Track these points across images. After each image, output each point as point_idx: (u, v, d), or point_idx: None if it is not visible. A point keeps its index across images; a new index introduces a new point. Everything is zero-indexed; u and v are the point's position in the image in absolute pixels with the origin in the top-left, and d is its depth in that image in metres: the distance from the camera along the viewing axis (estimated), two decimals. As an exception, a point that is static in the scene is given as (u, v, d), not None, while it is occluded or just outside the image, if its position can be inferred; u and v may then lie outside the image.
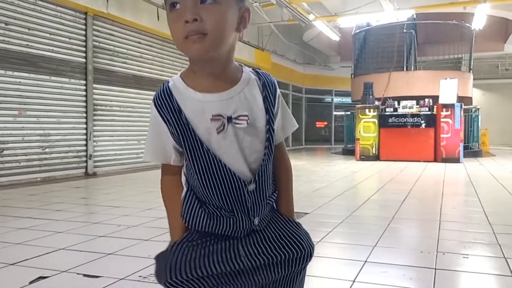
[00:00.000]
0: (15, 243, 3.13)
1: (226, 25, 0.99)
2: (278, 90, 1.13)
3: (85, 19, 7.77)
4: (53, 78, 7.14)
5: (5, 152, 6.43)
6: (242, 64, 1.12)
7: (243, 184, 1.05)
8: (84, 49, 7.75)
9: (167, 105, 1.05)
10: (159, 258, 1.15)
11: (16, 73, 6.56)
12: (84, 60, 7.74)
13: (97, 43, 8.05)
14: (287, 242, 1.12)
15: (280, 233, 1.12)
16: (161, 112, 1.05)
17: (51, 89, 7.12)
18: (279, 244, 1.10)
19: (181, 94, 1.05)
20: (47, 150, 7.07)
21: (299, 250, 1.12)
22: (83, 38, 7.74)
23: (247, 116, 1.03)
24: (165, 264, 1.10)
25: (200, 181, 1.06)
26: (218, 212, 1.07)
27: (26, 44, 6.70)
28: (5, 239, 3.23)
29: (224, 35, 0.99)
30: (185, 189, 1.12)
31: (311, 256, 1.14)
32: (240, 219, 1.07)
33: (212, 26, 0.96)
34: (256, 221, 1.08)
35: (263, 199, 1.10)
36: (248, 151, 1.06)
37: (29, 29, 6.75)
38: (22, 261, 2.69)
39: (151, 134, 1.10)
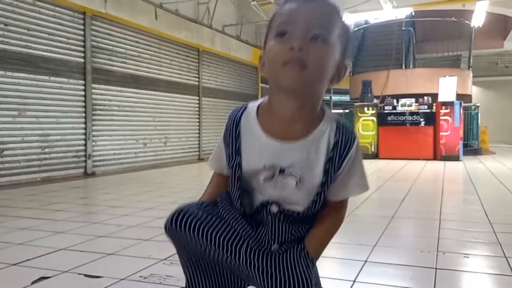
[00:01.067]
0: (16, 244, 3.13)
1: (326, 66, 1.00)
2: (352, 152, 1.07)
3: (84, 19, 7.76)
4: (52, 78, 7.13)
5: (4, 152, 6.43)
6: (327, 110, 1.10)
7: (268, 205, 1.08)
8: (82, 49, 7.74)
9: (231, 131, 1.11)
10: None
11: (15, 74, 6.55)
12: (82, 60, 7.73)
13: (95, 43, 8.04)
14: (284, 274, 1.09)
15: (287, 261, 1.11)
16: (226, 132, 1.12)
17: (50, 89, 7.11)
18: (278, 271, 1.09)
19: (247, 127, 1.09)
20: (46, 150, 7.07)
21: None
22: (82, 38, 7.73)
23: (297, 178, 1.04)
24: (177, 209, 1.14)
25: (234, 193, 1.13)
26: (241, 215, 1.12)
27: (25, 45, 6.69)
28: (6, 240, 3.23)
29: (322, 74, 1.01)
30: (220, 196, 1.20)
31: None
32: (260, 236, 1.09)
33: (315, 61, 0.97)
34: (275, 247, 1.09)
35: (290, 228, 1.10)
36: (287, 201, 1.07)
37: (27, 29, 6.74)
38: (23, 261, 2.69)
39: (217, 148, 1.20)
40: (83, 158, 7.78)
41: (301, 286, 1.08)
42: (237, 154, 1.08)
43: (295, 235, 1.11)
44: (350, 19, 13.17)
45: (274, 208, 1.06)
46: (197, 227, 1.08)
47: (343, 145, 1.06)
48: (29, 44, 6.76)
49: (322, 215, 1.14)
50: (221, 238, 1.08)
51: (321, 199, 1.08)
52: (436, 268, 2.54)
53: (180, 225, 1.09)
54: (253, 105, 1.11)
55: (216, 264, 1.15)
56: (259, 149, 1.05)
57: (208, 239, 1.08)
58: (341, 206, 1.17)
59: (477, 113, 13.21)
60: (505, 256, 2.78)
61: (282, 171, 1.03)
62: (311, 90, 1.01)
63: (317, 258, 1.18)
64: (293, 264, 1.10)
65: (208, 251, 1.11)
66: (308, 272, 1.12)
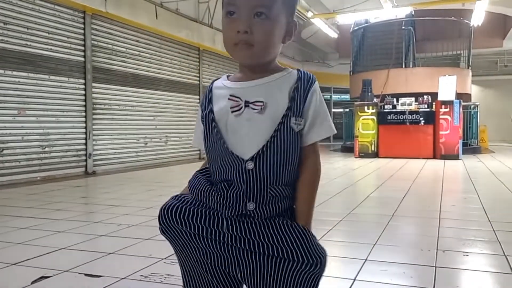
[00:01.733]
0: (16, 243, 3.13)
1: (272, 39, 1.10)
2: (315, 87, 1.14)
3: (84, 18, 7.76)
4: (52, 77, 7.14)
5: (5, 151, 6.43)
6: (289, 68, 1.18)
7: (241, 161, 1.08)
8: (83, 48, 7.74)
9: (205, 93, 1.21)
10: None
11: (15, 73, 6.55)
12: (83, 59, 7.74)
13: (95, 42, 8.05)
14: (287, 236, 1.06)
15: (280, 229, 1.07)
16: (201, 100, 1.21)
17: (50, 88, 7.12)
18: (277, 235, 1.06)
19: (218, 84, 1.19)
20: (46, 149, 7.07)
21: (301, 252, 1.04)
22: (82, 37, 7.74)
23: (262, 102, 1.09)
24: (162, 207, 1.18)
25: (208, 154, 1.17)
26: (216, 185, 1.12)
27: (25, 44, 6.70)
28: (6, 239, 3.24)
29: (268, 47, 1.11)
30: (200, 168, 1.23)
31: (316, 267, 1.06)
32: (232, 195, 1.09)
33: (260, 39, 1.08)
34: (251, 206, 1.08)
35: (264, 184, 1.08)
36: (258, 136, 1.09)
37: (27, 28, 6.74)
38: (23, 261, 2.70)
39: (196, 122, 1.24)
40: (84, 157, 7.78)
41: (305, 250, 1.05)
42: (208, 104, 1.16)
43: (273, 193, 1.09)
44: (350, 18, 13.18)
45: (250, 165, 1.08)
46: (178, 217, 1.13)
47: (305, 78, 1.14)
48: (29, 43, 6.76)
49: (299, 175, 1.14)
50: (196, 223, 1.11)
51: (285, 129, 1.09)
52: (436, 267, 2.55)
53: (166, 220, 1.16)
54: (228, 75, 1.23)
55: (211, 268, 1.14)
56: (226, 93, 1.13)
57: (188, 226, 1.12)
58: (313, 151, 1.17)
59: (477, 112, 13.22)
60: (505, 254, 2.79)
61: (247, 102, 1.09)
62: (263, 60, 1.13)
63: (310, 224, 1.14)
64: (285, 225, 1.08)
65: (192, 247, 1.14)
66: (302, 231, 1.08)
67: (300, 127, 1.12)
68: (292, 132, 1.10)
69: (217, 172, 1.14)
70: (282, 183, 1.11)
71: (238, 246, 1.08)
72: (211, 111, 1.14)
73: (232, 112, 1.10)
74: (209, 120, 1.14)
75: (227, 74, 1.22)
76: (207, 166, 1.20)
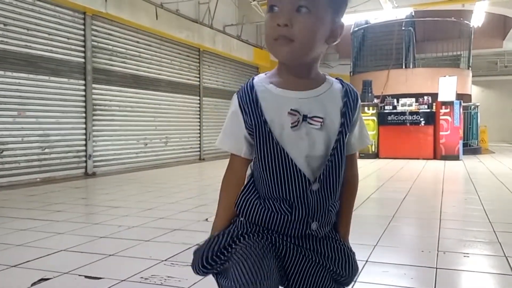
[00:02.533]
0: (16, 245, 3.13)
1: (313, 35, 1.04)
2: (360, 101, 1.15)
3: (84, 19, 7.76)
4: (52, 78, 7.13)
5: (4, 153, 6.42)
6: (326, 74, 1.16)
7: (307, 181, 1.07)
8: (83, 49, 7.74)
9: (246, 96, 1.10)
10: (196, 251, 1.16)
11: (15, 74, 6.55)
12: (83, 60, 7.73)
13: (95, 43, 8.04)
14: (340, 258, 1.15)
15: (335, 250, 1.15)
16: (240, 102, 1.10)
17: (50, 89, 7.11)
18: (333, 255, 1.14)
19: (262, 88, 1.10)
20: (46, 150, 7.07)
21: (347, 271, 1.16)
22: (82, 38, 7.74)
23: (322, 118, 1.07)
24: (201, 252, 1.12)
25: (265, 172, 1.08)
26: (276, 207, 1.08)
27: (25, 45, 6.69)
28: (6, 241, 3.23)
29: (310, 44, 1.05)
30: (246, 181, 1.14)
31: (351, 280, 1.19)
32: (297, 217, 1.08)
33: (300, 34, 1.02)
34: (314, 225, 1.09)
35: (326, 204, 1.10)
36: (316, 152, 1.07)
37: (27, 29, 6.74)
38: (23, 262, 2.69)
39: (228, 122, 1.14)
40: (84, 158, 7.78)
41: (352, 270, 1.17)
42: (258, 111, 1.08)
43: (332, 211, 1.13)
44: (351, 19, 13.17)
45: (315, 186, 1.07)
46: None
47: (352, 92, 1.13)
48: (29, 44, 6.76)
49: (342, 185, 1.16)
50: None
51: (341, 147, 1.09)
52: (436, 268, 2.54)
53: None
54: (261, 75, 1.16)
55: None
56: (278, 102, 1.07)
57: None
58: (352, 165, 1.20)
59: (477, 113, 13.22)
60: (505, 255, 2.78)
61: (305, 117, 1.06)
62: (303, 59, 1.07)
63: (349, 233, 1.24)
64: (339, 246, 1.16)
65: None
66: (350, 252, 1.19)
67: (347, 140, 1.13)
68: (345, 147, 1.11)
69: (275, 189, 1.09)
70: (336, 199, 1.14)
71: (298, 254, 1.11)
72: (265, 122, 1.07)
73: (292, 127, 1.06)
74: (265, 133, 1.07)
75: (265, 73, 1.16)
76: (248, 179, 1.14)
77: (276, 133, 1.06)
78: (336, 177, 1.10)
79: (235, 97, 1.13)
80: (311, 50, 1.06)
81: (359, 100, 1.15)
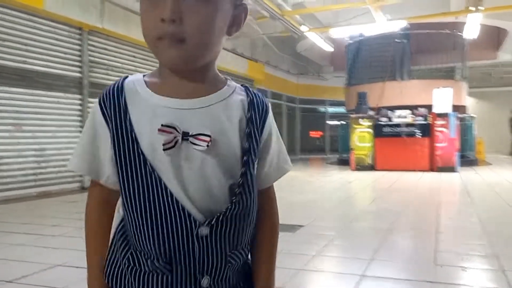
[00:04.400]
0: (12, 260, 3.12)
1: (212, 30, 0.77)
2: (271, 115, 0.87)
3: (80, 34, 7.79)
4: (48, 93, 7.14)
5: (0, 167, 6.40)
6: (229, 78, 0.89)
7: (192, 224, 0.77)
8: (79, 64, 7.76)
9: (112, 103, 0.80)
10: None
11: (12, 89, 6.55)
12: (79, 75, 7.75)
13: (92, 58, 8.07)
14: None
15: None
16: (104, 109, 0.80)
17: (47, 104, 7.12)
18: None
19: (134, 92, 0.81)
20: (42, 164, 7.05)
21: None
22: (79, 53, 7.76)
23: (209, 137, 0.76)
24: None
25: (135, 214, 0.78)
26: (149, 265, 0.79)
27: (21, 60, 6.71)
28: (1, 256, 3.21)
29: (208, 42, 0.78)
30: (113, 230, 0.85)
31: None
32: (180, 276, 0.78)
33: (194, 31, 0.75)
34: (205, 281, 0.79)
35: (223, 253, 0.80)
36: (205, 185, 0.78)
37: (24, 45, 6.76)
38: (19, 278, 2.68)
39: (85, 136, 0.84)
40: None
41: None
42: (127, 121, 0.78)
43: (233, 261, 0.83)
44: (345, 32, 13.28)
45: (204, 231, 0.77)
46: None
47: (259, 103, 0.85)
48: (26, 59, 6.77)
49: (256, 229, 0.88)
50: None
51: (248, 180, 0.81)
52: (433, 282, 2.54)
53: None
54: (137, 75, 0.87)
55: None
56: (152, 113, 0.78)
57: None
58: (269, 202, 0.91)
59: (473, 124, 13.28)
60: (502, 269, 2.79)
61: (186, 135, 0.76)
62: (199, 63, 0.79)
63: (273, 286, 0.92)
64: None
65: None
66: None
67: (259, 170, 0.85)
68: (254, 180, 0.83)
69: (149, 238, 0.78)
70: (242, 245, 0.85)
71: None
72: (136, 139, 0.78)
73: (164, 150, 0.76)
74: (135, 155, 0.77)
75: (143, 74, 0.86)
76: (117, 225, 0.84)
77: (148, 155, 0.77)
78: (241, 220, 0.81)
79: (96, 103, 0.83)
80: (209, 50, 0.79)
81: (270, 113, 0.87)
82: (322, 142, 21.32)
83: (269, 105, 0.88)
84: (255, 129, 0.83)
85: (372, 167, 11.37)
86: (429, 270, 2.77)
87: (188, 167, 0.77)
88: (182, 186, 0.77)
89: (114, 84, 0.83)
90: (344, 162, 13.21)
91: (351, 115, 12.11)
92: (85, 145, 0.83)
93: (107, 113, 0.80)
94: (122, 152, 0.78)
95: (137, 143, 0.77)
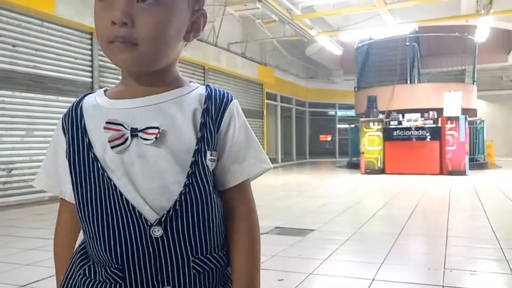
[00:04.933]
0: (25, 264, 3.15)
1: (165, 35, 0.75)
2: (232, 107, 0.82)
3: (91, 39, 7.88)
4: (60, 98, 7.22)
5: (13, 172, 6.48)
6: (193, 81, 0.87)
7: (144, 225, 0.73)
8: (90, 68, 7.85)
9: (70, 116, 0.82)
10: None
11: (23, 94, 6.64)
12: (90, 79, 7.83)
13: (102, 63, 8.14)
14: None
15: None
16: (63, 124, 0.82)
17: (58, 109, 7.19)
18: None
19: (91, 103, 0.82)
20: (54, 169, 7.12)
21: None
22: (89, 58, 7.85)
23: (157, 129, 0.74)
24: None
25: (88, 219, 0.76)
26: (102, 274, 0.75)
27: (33, 65, 6.80)
28: (14, 260, 3.25)
29: (161, 47, 0.76)
30: (76, 246, 0.83)
31: None
32: (133, 285, 0.73)
33: (146, 36, 0.73)
34: None
35: (182, 258, 0.75)
36: (159, 182, 0.75)
37: (36, 50, 6.85)
38: (32, 282, 2.71)
39: (49, 153, 0.86)
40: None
41: None
42: (81, 132, 0.78)
43: (199, 268, 0.76)
44: (354, 36, 13.27)
45: (157, 231, 0.73)
46: None
47: (218, 96, 0.82)
48: (37, 65, 6.86)
49: (230, 234, 0.81)
50: None
51: (200, 173, 0.76)
52: (443, 286, 2.54)
53: None
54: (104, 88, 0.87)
55: None
56: (104, 116, 0.77)
57: None
58: (241, 196, 0.83)
59: (483, 127, 13.20)
60: (513, 274, 2.77)
61: (135, 130, 0.75)
62: (152, 67, 0.77)
63: None
64: None
65: None
66: None
67: (215, 164, 0.80)
68: (209, 173, 0.78)
69: (101, 244, 0.75)
70: (211, 250, 0.78)
71: None
72: (89, 144, 0.77)
73: (112, 148, 0.74)
74: (85, 159, 0.77)
75: (104, 89, 0.85)
76: (81, 242, 0.81)
77: (100, 157, 0.76)
78: (198, 217, 0.76)
79: (62, 117, 0.84)
80: (163, 54, 0.77)
81: (230, 105, 0.82)
82: (332, 146, 21.29)
83: (232, 98, 0.84)
84: (210, 119, 0.79)
85: (382, 171, 11.33)
86: (439, 274, 2.76)
87: (142, 164, 0.75)
88: (133, 184, 0.74)
89: (75, 101, 0.85)
90: (354, 166, 13.18)
91: (361, 119, 12.09)
92: (48, 163, 0.85)
93: (65, 127, 0.81)
94: (76, 159, 0.77)
95: (91, 148, 0.77)
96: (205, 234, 0.76)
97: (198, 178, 0.75)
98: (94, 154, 0.76)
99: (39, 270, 3.01)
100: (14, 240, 3.98)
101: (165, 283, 0.73)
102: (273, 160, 15.84)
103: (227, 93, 0.84)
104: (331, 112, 21.34)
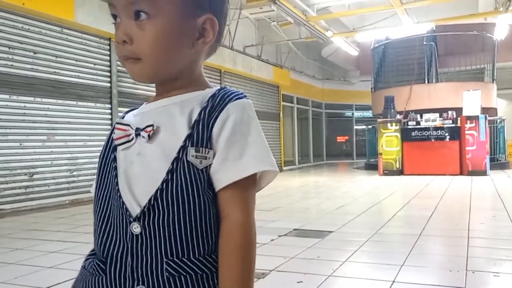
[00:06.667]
0: (46, 267, 3.20)
1: (164, 47, 0.78)
2: (231, 106, 0.79)
3: (109, 44, 7.98)
4: (79, 103, 7.33)
5: (34, 176, 6.60)
6: (218, 85, 0.86)
7: (126, 220, 0.75)
8: (108, 74, 7.95)
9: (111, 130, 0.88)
10: None
11: (44, 100, 6.76)
12: (109, 84, 7.93)
13: (121, 68, 8.23)
14: None
15: None
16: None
17: (77, 113, 7.31)
18: None
19: (128, 112, 0.89)
20: (75, 173, 7.23)
21: None
22: (108, 63, 7.95)
23: (151, 126, 0.78)
24: None
25: (94, 211, 0.85)
26: (91, 266, 0.80)
27: (53, 72, 6.92)
28: (36, 263, 3.31)
29: (162, 59, 0.78)
30: None
31: None
32: (112, 280, 0.75)
33: (144, 50, 0.77)
34: None
35: (156, 258, 0.73)
36: (148, 180, 0.76)
37: (56, 56, 6.97)
38: (54, 285, 2.75)
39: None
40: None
41: None
42: (109, 141, 0.85)
43: (171, 271, 0.73)
44: (370, 36, 13.19)
45: (136, 228, 0.74)
46: None
47: (221, 96, 0.80)
48: (57, 71, 6.98)
49: (218, 246, 0.76)
50: None
51: (180, 169, 0.74)
52: (465, 288, 2.51)
53: None
54: None
55: None
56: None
57: None
58: (233, 200, 0.76)
59: (503, 126, 12.99)
60: (537, 275, 2.73)
61: (138, 130, 0.79)
62: (162, 76, 0.81)
63: None
64: None
65: None
66: None
67: (207, 162, 0.76)
68: (194, 172, 0.75)
69: (96, 238, 0.82)
70: (192, 255, 0.74)
71: None
72: (114, 148, 0.82)
73: (118, 145, 0.80)
74: (110, 160, 0.82)
75: None
76: None
77: (116, 158, 0.82)
78: (177, 216, 0.74)
79: None
80: (169, 65, 0.79)
81: (230, 103, 0.79)
82: (349, 147, 21.17)
83: (240, 97, 0.81)
84: (206, 117, 0.77)
85: (400, 172, 11.23)
86: (461, 276, 2.72)
87: (139, 162, 0.78)
88: (128, 181, 0.78)
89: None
90: (371, 167, 13.09)
91: (378, 119, 12.00)
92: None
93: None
94: (103, 160, 0.83)
95: (114, 150, 0.82)
96: (183, 235, 0.74)
97: (178, 175, 0.75)
98: (114, 155, 0.81)
99: (60, 272, 3.06)
100: (36, 243, 4.05)
101: (140, 283, 0.73)
102: (290, 162, 15.81)
103: (238, 93, 0.82)
104: (348, 113, 21.23)
